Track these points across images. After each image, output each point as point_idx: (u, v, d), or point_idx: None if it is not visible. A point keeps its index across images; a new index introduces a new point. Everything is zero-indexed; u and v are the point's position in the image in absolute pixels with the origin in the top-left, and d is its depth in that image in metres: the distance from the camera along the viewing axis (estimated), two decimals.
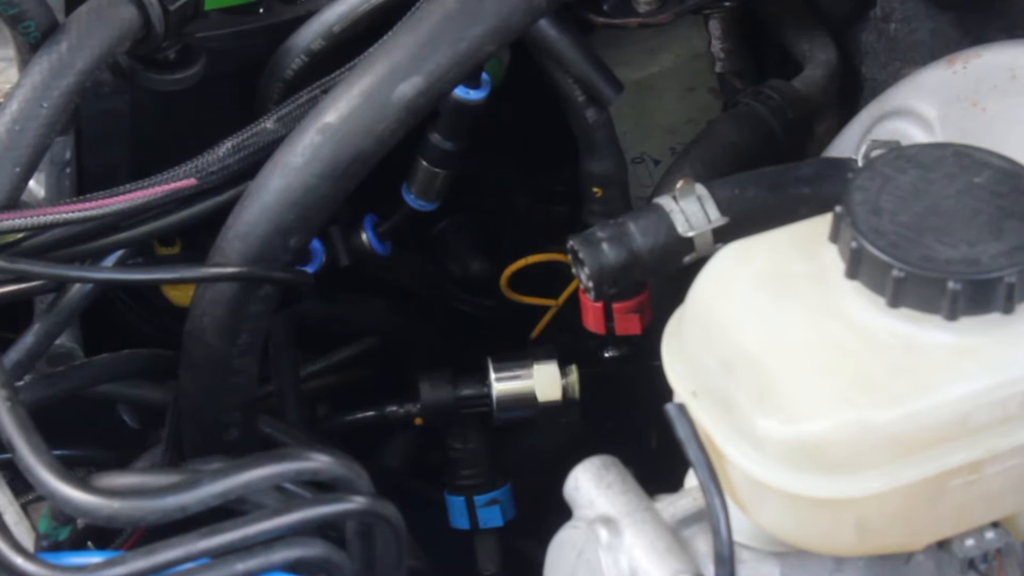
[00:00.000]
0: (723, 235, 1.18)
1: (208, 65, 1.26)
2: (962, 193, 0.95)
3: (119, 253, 1.26)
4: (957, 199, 0.94)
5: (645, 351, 1.30)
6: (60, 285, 1.25)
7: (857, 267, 0.93)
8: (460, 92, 1.38)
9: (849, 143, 1.33)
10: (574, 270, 1.21)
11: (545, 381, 1.54)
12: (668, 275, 1.20)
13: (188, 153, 1.24)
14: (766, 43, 1.61)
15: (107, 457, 1.43)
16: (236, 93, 1.36)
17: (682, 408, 0.95)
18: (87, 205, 1.20)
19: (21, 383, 1.26)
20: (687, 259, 1.19)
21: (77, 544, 1.13)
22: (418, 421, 1.59)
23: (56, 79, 1.16)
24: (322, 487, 1.08)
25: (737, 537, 0.96)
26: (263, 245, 1.21)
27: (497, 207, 1.72)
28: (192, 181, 1.23)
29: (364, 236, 1.48)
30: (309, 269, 1.39)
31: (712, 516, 0.94)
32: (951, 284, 0.90)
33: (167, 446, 1.31)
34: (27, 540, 1.10)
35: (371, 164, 1.21)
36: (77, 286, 1.25)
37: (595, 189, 1.48)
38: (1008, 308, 0.91)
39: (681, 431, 0.95)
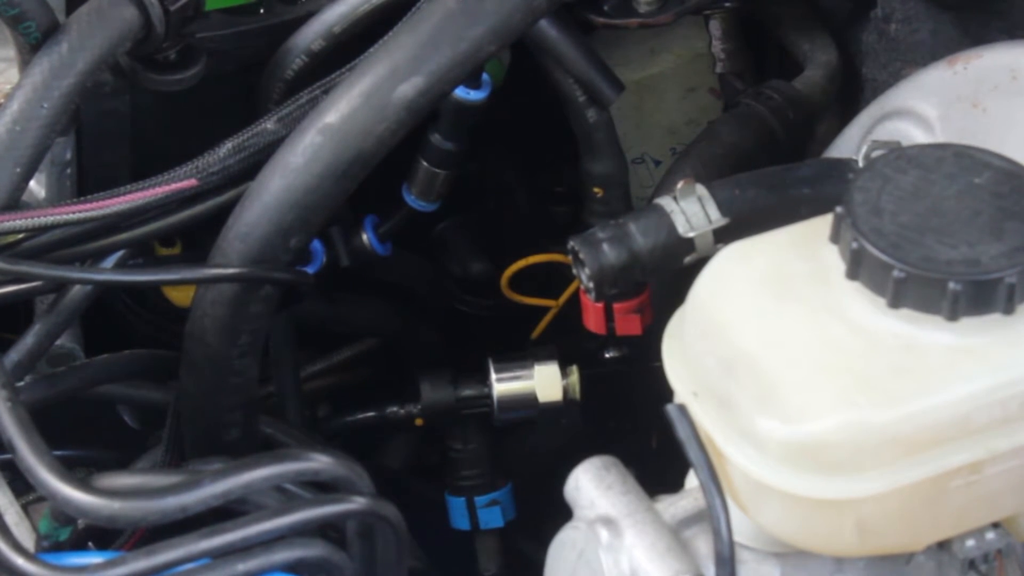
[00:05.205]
0: (724, 236, 1.18)
1: (209, 66, 1.26)
2: (963, 194, 0.95)
3: (120, 254, 1.26)
4: (958, 200, 0.94)
5: (646, 352, 1.30)
6: (60, 286, 1.25)
7: (858, 268, 0.93)
8: (460, 92, 1.38)
9: (850, 144, 1.33)
10: (575, 270, 1.21)
11: (546, 382, 1.54)
12: (669, 276, 1.20)
13: (189, 154, 1.24)
14: (766, 44, 1.61)
15: (107, 457, 1.43)
16: (236, 93, 1.36)
17: (683, 408, 0.95)
18: (88, 206, 1.20)
19: (22, 384, 1.26)
20: (688, 259, 1.19)
21: (78, 545, 1.13)
22: (419, 422, 1.59)
23: (57, 80, 1.16)
24: (323, 487, 1.08)
25: (738, 538, 0.96)
26: (264, 246, 1.21)
27: (497, 207, 1.72)
28: (193, 182, 1.23)
29: (364, 237, 1.48)
30: (310, 270, 1.39)
31: (713, 517, 0.94)
32: (952, 285, 0.90)
33: (168, 446, 1.31)
34: (28, 540, 1.10)
35: (372, 164, 1.21)
36: (77, 287, 1.25)
37: (596, 189, 1.48)
38: (1008, 309, 0.91)
39: (681, 432, 0.95)
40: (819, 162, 1.31)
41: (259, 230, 1.21)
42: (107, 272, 1.26)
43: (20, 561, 0.98)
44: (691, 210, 1.19)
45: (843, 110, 1.49)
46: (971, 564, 0.98)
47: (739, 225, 1.18)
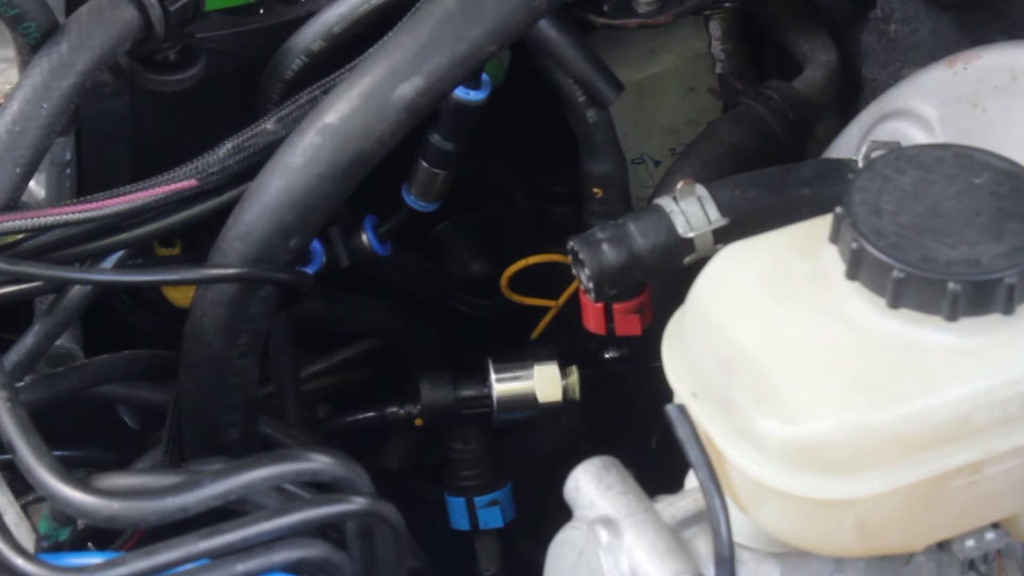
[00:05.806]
0: (723, 236, 1.18)
1: (209, 66, 1.26)
2: (962, 194, 0.95)
3: (120, 254, 1.26)
4: (957, 200, 0.94)
5: (645, 352, 1.30)
6: (60, 286, 1.25)
7: (857, 268, 0.93)
8: (460, 93, 1.38)
9: (849, 144, 1.33)
10: (574, 271, 1.21)
11: (545, 382, 1.54)
12: (668, 276, 1.20)
13: (188, 154, 1.24)
14: (766, 44, 1.61)
15: (107, 458, 1.43)
16: (236, 94, 1.36)
17: (682, 409, 0.95)
18: (87, 206, 1.20)
19: (21, 384, 1.26)
20: (687, 260, 1.19)
21: (77, 545, 1.13)
22: (418, 422, 1.59)
23: (56, 80, 1.16)
24: (322, 488, 1.08)
25: (737, 538, 0.96)
26: (263, 246, 1.21)
27: (497, 207, 1.72)
28: (192, 182, 1.23)
29: (364, 237, 1.48)
30: (309, 270, 1.39)
31: (712, 517, 0.94)
32: (951, 285, 0.90)
33: (167, 447, 1.31)
34: (27, 541, 1.10)
35: (371, 165, 1.21)
36: (77, 287, 1.25)
37: (595, 189, 1.48)
38: (1008, 309, 0.91)
39: (681, 432, 0.95)
40: (819, 162, 1.31)
41: (259, 230, 1.21)
42: (107, 272, 1.26)
43: (20, 561, 0.98)
44: (691, 210, 1.19)
45: (843, 110, 1.49)
46: (971, 564, 0.98)
47: (739, 225, 1.18)
